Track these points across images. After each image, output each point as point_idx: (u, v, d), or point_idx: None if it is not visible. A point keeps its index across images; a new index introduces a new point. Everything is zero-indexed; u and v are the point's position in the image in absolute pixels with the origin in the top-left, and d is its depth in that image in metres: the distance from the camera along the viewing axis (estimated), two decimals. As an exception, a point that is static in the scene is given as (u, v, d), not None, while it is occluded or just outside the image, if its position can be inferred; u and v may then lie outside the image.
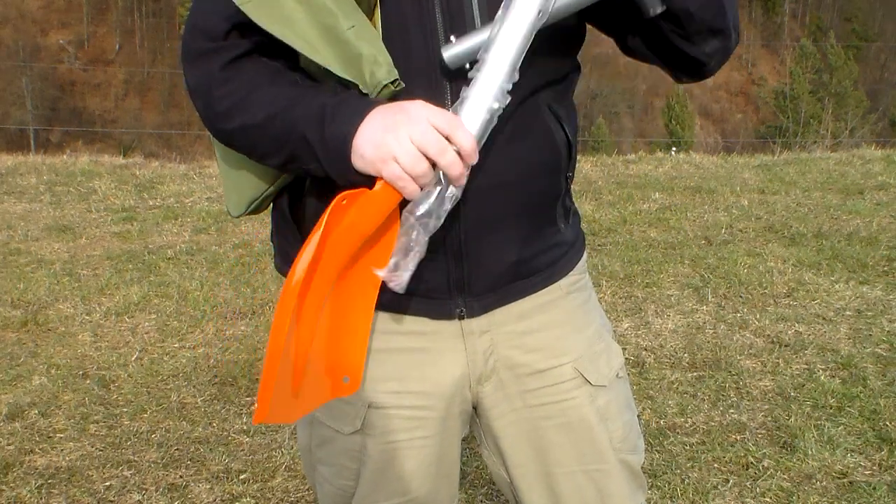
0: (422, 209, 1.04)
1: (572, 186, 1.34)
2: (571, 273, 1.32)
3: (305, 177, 1.20)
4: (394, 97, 1.06)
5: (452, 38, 1.08)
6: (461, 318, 1.24)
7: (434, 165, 1.02)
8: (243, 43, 1.11)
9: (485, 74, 1.03)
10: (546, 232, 1.27)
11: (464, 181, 1.04)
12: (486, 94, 1.03)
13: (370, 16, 1.09)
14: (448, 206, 1.04)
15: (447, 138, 1.01)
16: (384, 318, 1.24)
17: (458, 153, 1.02)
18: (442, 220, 1.05)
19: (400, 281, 1.07)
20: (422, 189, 1.03)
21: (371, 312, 1.12)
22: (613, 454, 1.31)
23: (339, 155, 1.05)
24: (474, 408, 1.32)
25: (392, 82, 1.05)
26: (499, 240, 1.21)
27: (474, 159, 1.03)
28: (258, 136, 1.11)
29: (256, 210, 1.26)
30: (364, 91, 1.06)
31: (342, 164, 1.05)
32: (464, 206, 1.16)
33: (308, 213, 1.23)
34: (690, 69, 1.23)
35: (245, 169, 1.22)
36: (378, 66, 1.04)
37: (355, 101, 1.05)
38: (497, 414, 1.30)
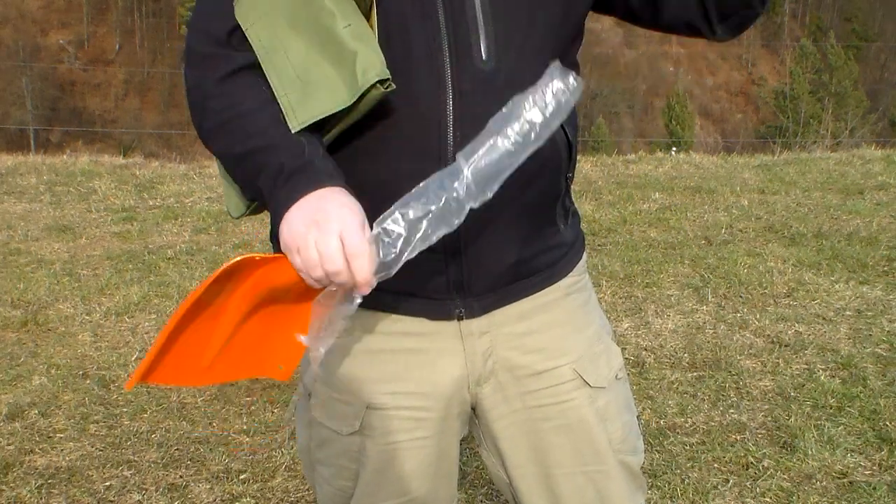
0: (325, 300, 1.05)
1: (572, 187, 1.34)
2: (571, 274, 1.32)
3: None
4: (384, 99, 1.07)
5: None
6: (460, 318, 1.24)
7: None
8: (243, 53, 1.12)
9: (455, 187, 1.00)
10: (546, 232, 1.27)
11: (361, 292, 1.04)
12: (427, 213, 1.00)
13: (367, 17, 1.09)
14: (354, 303, 1.05)
15: (348, 259, 1.01)
16: (383, 318, 1.24)
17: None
18: (355, 307, 1.05)
19: (316, 355, 1.08)
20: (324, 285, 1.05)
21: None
22: (613, 455, 1.31)
23: (275, 219, 1.08)
24: (473, 409, 1.32)
25: (382, 82, 1.05)
26: (498, 240, 1.21)
27: (364, 290, 1.03)
28: (232, 166, 1.17)
29: (256, 211, 1.27)
30: (352, 94, 1.06)
31: (275, 227, 1.09)
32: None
33: None
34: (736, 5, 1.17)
35: None
36: (371, 67, 1.05)
37: (308, 174, 1.07)
38: (496, 415, 1.30)
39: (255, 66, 1.12)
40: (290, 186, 1.06)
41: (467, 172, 0.99)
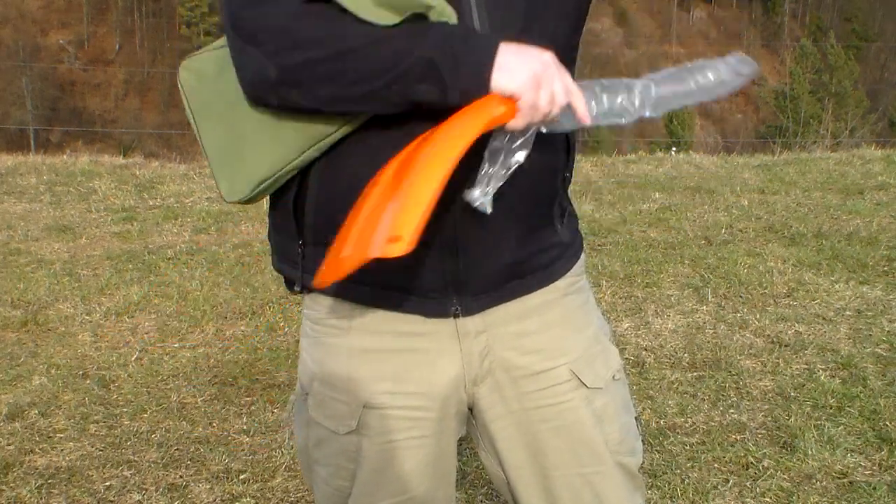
0: (504, 142, 1.11)
1: (572, 187, 1.34)
2: (569, 274, 1.31)
3: (311, 164, 1.18)
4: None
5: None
6: (456, 316, 1.23)
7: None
8: None
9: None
10: (542, 232, 1.27)
11: (583, 123, 1.11)
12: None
13: None
14: (524, 153, 1.12)
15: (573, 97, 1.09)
16: (379, 317, 1.24)
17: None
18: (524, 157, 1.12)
19: (484, 201, 1.11)
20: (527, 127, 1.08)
21: (437, 187, 1.05)
22: (610, 457, 1.31)
23: (477, 67, 1.04)
24: (470, 409, 1.32)
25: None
26: (494, 239, 1.21)
27: (586, 121, 1.10)
28: (354, 62, 1.05)
29: (265, 192, 1.21)
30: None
31: (476, 76, 1.04)
32: (461, 202, 1.16)
33: (308, 206, 1.21)
34: None
35: (259, 145, 1.17)
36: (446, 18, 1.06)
37: (476, 36, 1.08)
38: (493, 416, 1.30)
39: None
40: (476, 44, 1.05)
41: (653, 87, 1.13)
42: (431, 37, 1.04)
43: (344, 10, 1.04)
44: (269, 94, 1.10)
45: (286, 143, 1.15)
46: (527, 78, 1.05)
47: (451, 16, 1.06)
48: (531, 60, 1.05)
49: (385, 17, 1.04)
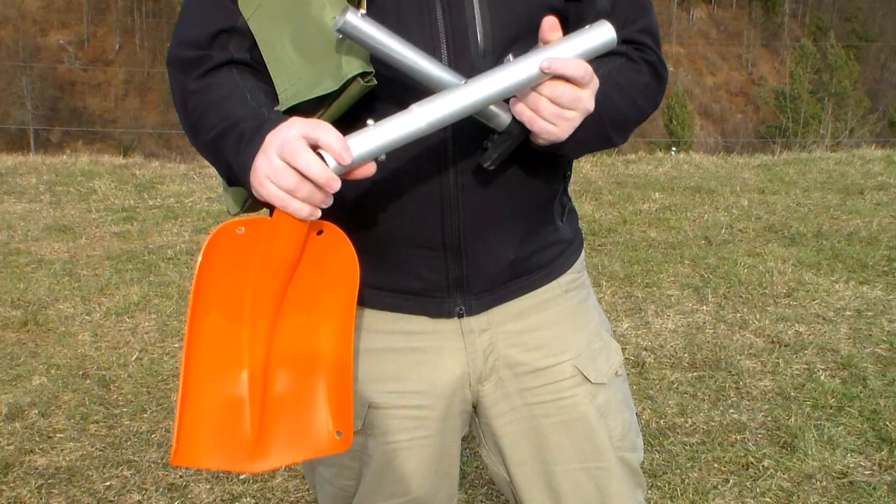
0: None
1: (573, 187, 1.34)
2: (569, 271, 1.32)
3: None
4: (368, 94, 1.07)
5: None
6: (460, 316, 1.24)
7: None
8: (224, 52, 1.14)
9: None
10: (543, 230, 1.27)
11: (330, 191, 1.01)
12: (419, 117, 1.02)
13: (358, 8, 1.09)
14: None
15: (315, 144, 1.00)
16: (383, 317, 1.24)
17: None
18: None
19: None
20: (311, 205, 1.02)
21: (349, 361, 1.11)
22: (613, 452, 1.31)
23: (246, 184, 1.07)
24: (474, 407, 1.32)
25: (362, 75, 1.05)
26: (496, 238, 1.21)
27: (345, 159, 0.99)
28: (210, 157, 1.16)
29: (252, 208, 1.26)
30: (332, 86, 1.05)
31: (250, 193, 1.08)
32: (461, 204, 1.16)
33: None
34: None
35: None
36: (352, 60, 1.04)
37: (265, 125, 1.05)
38: (497, 413, 1.30)
39: (234, 63, 1.14)
40: (254, 141, 1.05)
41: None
42: (234, 135, 1.08)
43: (228, 79, 1.14)
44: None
45: None
46: (253, 181, 1.04)
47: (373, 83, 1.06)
48: (264, 158, 1.02)
49: (324, 85, 1.06)
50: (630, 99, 1.18)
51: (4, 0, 48.19)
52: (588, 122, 1.08)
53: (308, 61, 1.08)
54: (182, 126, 1.20)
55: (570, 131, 1.06)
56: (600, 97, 1.09)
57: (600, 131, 1.15)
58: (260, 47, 1.12)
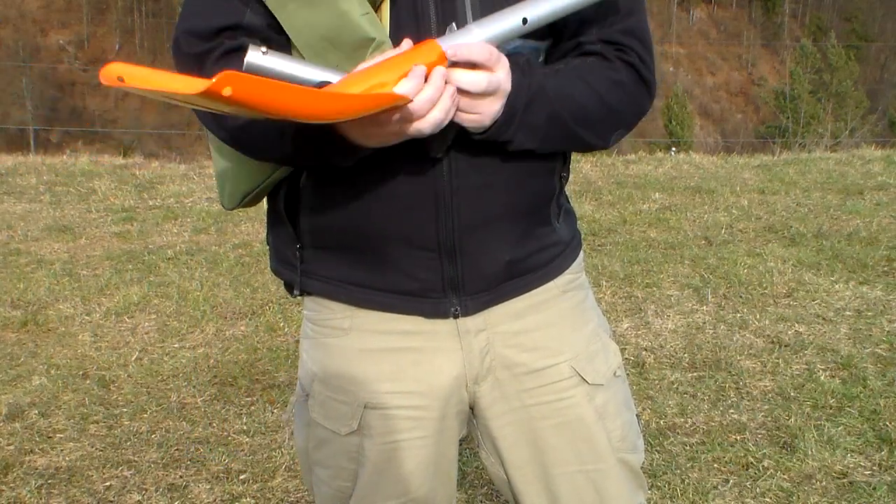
0: None
1: (572, 187, 1.34)
2: (567, 272, 1.31)
3: (302, 170, 1.20)
4: None
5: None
6: (455, 316, 1.23)
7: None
8: (234, 41, 1.12)
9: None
10: (540, 231, 1.27)
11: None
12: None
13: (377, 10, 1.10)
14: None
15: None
16: (379, 317, 1.24)
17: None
18: None
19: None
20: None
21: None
22: (612, 453, 1.31)
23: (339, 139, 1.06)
24: (471, 408, 1.31)
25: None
26: (493, 238, 1.21)
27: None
28: (258, 133, 1.11)
29: (250, 203, 1.26)
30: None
31: (349, 148, 1.07)
32: (456, 205, 1.16)
33: (303, 211, 1.23)
34: None
35: (240, 162, 1.22)
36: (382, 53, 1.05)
37: None
38: (494, 414, 1.29)
39: (245, 47, 1.10)
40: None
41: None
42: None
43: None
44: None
45: (261, 164, 1.21)
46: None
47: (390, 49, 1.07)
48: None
49: (332, 59, 1.07)
50: (595, 95, 1.15)
51: (4, 0, 48.17)
52: (538, 112, 1.10)
53: (337, 48, 1.08)
54: (204, 118, 1.15)
55: (494, 116, 1.06)
56: (556, 89, 1.09)
57: (562, 125, 1.14)
58: (288, 33, 1.10)
